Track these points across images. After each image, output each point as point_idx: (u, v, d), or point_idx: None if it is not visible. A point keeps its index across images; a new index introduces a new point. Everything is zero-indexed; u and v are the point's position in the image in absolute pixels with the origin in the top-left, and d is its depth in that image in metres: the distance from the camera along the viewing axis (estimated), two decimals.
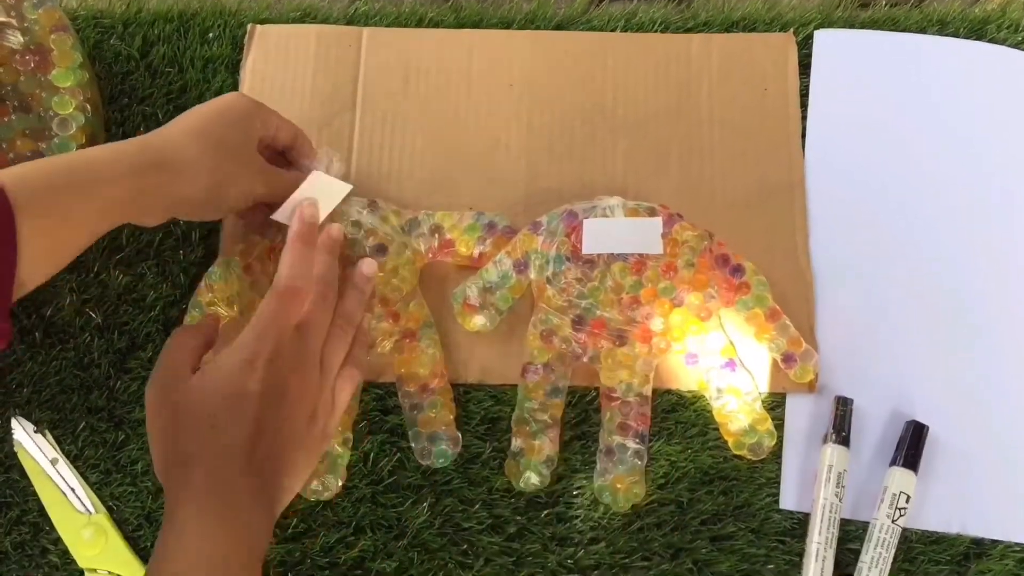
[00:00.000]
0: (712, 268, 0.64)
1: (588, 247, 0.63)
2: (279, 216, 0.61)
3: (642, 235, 0.63)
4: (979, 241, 0.68)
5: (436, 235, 0.65)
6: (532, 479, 0.61)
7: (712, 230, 0.67)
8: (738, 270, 0.64)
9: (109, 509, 0.62)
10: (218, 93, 0.71)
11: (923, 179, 0.69)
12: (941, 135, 0.70)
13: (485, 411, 0.64)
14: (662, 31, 0.73)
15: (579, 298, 0.63)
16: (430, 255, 0.65)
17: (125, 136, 0.70)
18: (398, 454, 0.63)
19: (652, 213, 0.64)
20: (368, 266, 0.60)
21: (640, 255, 0.63)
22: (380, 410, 0.65)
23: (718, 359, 0.63)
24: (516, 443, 0.62)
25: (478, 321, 0.64)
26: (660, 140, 0.70)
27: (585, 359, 0.64)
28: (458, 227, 0.66)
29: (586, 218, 0.64)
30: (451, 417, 0.63)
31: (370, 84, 0.72)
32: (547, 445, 0.61)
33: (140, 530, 0.62)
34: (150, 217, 0.56)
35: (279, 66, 0.72)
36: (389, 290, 0.63)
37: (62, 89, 0.63)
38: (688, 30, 0.74)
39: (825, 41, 0.72)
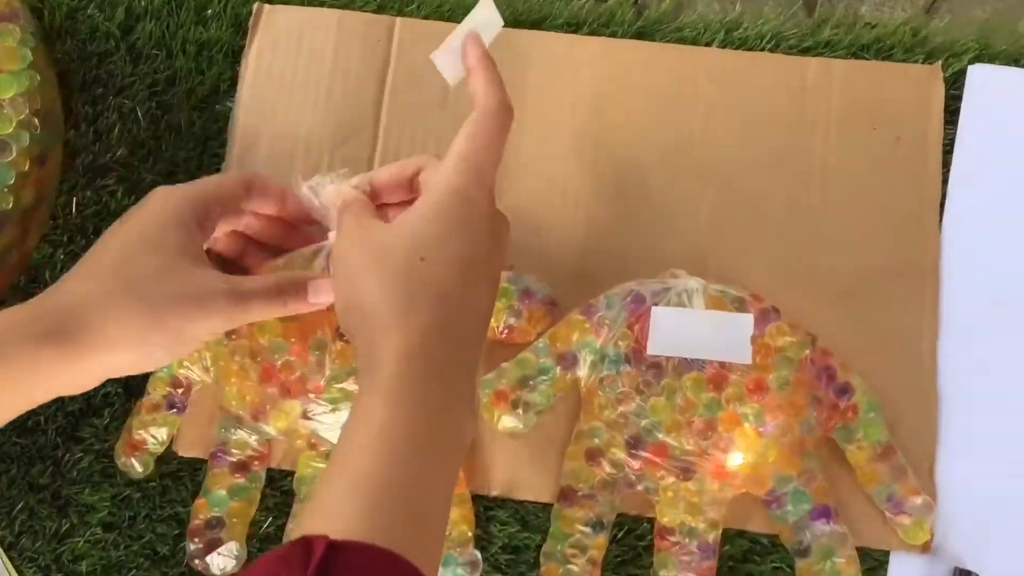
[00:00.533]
0: (812, 384, 0.48)
1: (655, 346, 0.48)
2: (439, 56, 0.46)
3: (726, 337, 0.48)
4: None
5: None
6: None
7: (813, 323, 0.51)
8: (845, 391, 0.49)
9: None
10: (214, 88, 0.56)
11: None
12: None
13: (509, 537, 0.50)
14: (772, 49, 0.56)
15: (638, 414, 0.48)
16: None
17: (96, 136, 0.56)
18: None
19: (741, 306, 0.49)
20: None
21: (721, 364, 0.48)
22: None
23: (808, 504, 0.48)
24: None
25: (509, 422, 0.49)
26: (757, 194, 0.54)
27: (639, 488, 0.49)
28: None
29: (655, 304, 0.49)
30: (470, 534, 0.49)
31: (400, 91, 0.56)
32: None
33: None
34: (72, 388, 0.43)
35: (289, 58, 0.57)
36: None
37: (2, 101, 0.48)
38: (805, 51, 0.56)
39: (981, 79, 0.55)
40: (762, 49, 0.55)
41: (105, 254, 0.43)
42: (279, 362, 0.48)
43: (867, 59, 0.55)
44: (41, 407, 0.49)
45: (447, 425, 0.38)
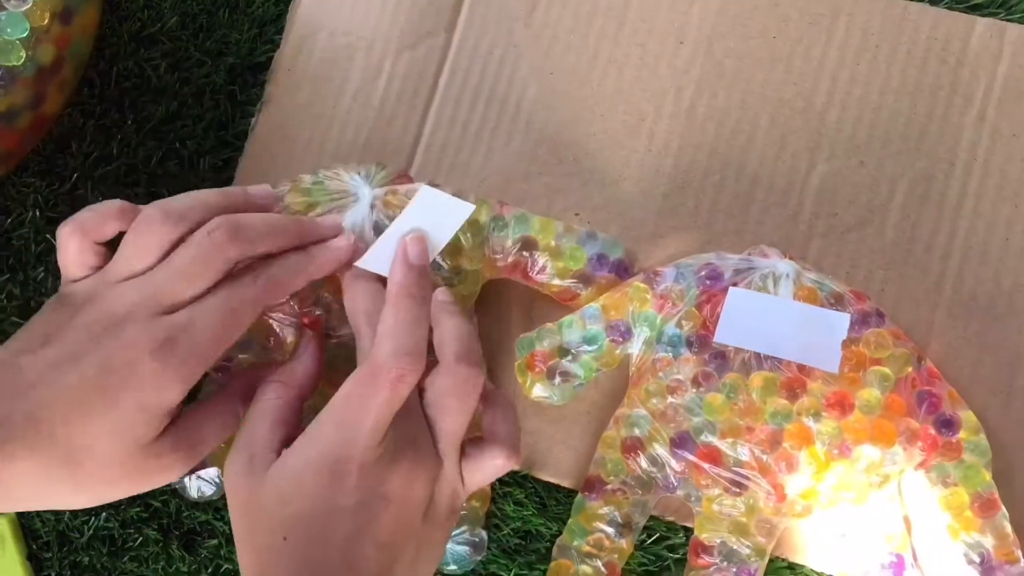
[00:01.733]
0: (908, 410, 0.39)
1: (725, 333, 0.39)
2: (366, 264, 0.39)
3: (814, 336, 0.39)
4: None
5: (524, 249, 0.43)
6: None
7: (927, 340, 0.42)
8: (949, 425, 0.40)
9: (18, 513, 0.46)
10: None
11: None
12: None
13: (523, 520, 0.44)
14: (933, 2, 0.46)
15: (689, 409, 0.40)
16: (504, 272, 0.43)
17: (147, 1, 0.50)
18: None
19: (839, 303, 0.40)
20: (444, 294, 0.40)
21: (800, 367, 0.39)
22: None
23: (881, 550, 0.39)
24: None
25: (541, 391, 0.42)
26: (882, 174, 0.44)
27: (679, 493, 0.41)
28: (557, 248, 0.43)
29: (734, 285, 0.40)
30: (482, 512, 0.44)
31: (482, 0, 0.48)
32: None
33: (49, 550, 0.45)
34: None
35: None
36: None
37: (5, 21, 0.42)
38: (975, 8, 0.46)
39: None
40: (921, 0, 0.45)
41: (50, 420, 0.35)
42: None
43: None
44: (46, 287, 0.47)
45: None
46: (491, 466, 0.36)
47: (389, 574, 0.34)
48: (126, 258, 0.37)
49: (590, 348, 0.42)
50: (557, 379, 0.42)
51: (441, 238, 0.39)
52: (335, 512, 0.34)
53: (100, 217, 0.38)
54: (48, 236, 0.48)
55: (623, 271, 0.44)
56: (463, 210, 0.39)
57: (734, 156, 0.45)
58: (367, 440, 0.34)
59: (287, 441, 0.35)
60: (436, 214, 0.39)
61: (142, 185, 0.49)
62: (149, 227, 0.37)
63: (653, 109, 0.46)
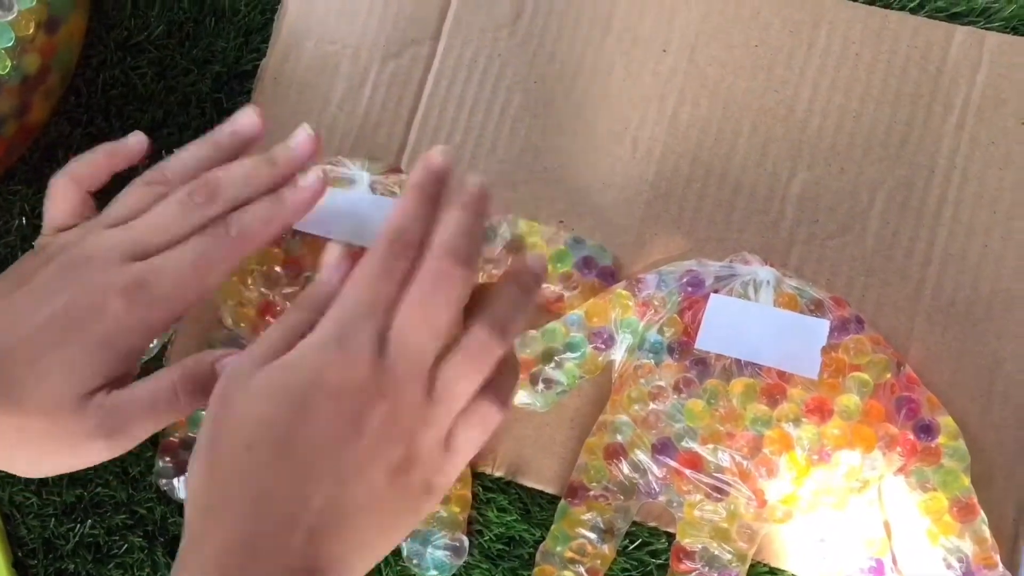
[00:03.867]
0: (887, 415, 0.40)
1: (706, 340, 0.40)
2: (306, 226, 0.41)
3: (793, 342, 0.40)
4: None
5: (511, 254, 0.44)
6: None
7: (907, 347, 0.42)
8: (928, 431, 0.40)
9: (4, 518, 0.46)
10: None
11: None
12: None
13: (507, 526, 0.44)
14: (914, 10, 0.46)
15: (671, 415, 0.40)
16: (492, 277, 0.44)
17: (134, 10, 0.51)
18: None
19: (818, 309, 0.40)
20: (538, 259, 0.37)
21: (780, 373, 0.39)
22: None
23: (861, 555, 0.40)
24: None
25: (524, 397, 0.42)
26: (862, 183, 0.45)
27: (661, 499, 0.42)
28: (543, 249, 0.44)
29: (715, 291, 0.41)
30: (462, 517, 0.44)
31: (468, 5, 0.49)
32: None
33: (35, 557, 0.45)
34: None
35: None
36: None
37: None
38: (954, 16, 0.46)
39: None
40: (902, 8, 0.45)
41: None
42: (276, 295, 0.41)
43: None
44: None
45: None
46: (479, 417, 0.33)
47: (335, 532, 0.32)
48: (112, 213, 0.38)
49: (573, 355, 0.42)
50: (540, 386, 0.42)
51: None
52: (306, 413, 0.32)
53: (92, 166, 0.39)
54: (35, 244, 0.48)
55: (609, 277, 0.44)
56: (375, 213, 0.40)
57: (716, 163, 0.46)
58: (366, 324, 0.33)
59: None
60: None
61: None
62: (140, 187, 0.39)
63: (637, 117, 0.47)
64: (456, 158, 0.44)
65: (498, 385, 0.34)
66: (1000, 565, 0.40)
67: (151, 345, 0.45)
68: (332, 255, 0.36)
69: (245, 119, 0.41)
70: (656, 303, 0.41)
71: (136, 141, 0.41)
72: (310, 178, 0.39)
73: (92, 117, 0.50)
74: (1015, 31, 0.46)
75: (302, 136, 0.40)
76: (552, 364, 0.42)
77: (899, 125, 0.45)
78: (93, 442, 0.35)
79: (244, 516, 0.31)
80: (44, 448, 0.35)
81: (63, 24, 0.44)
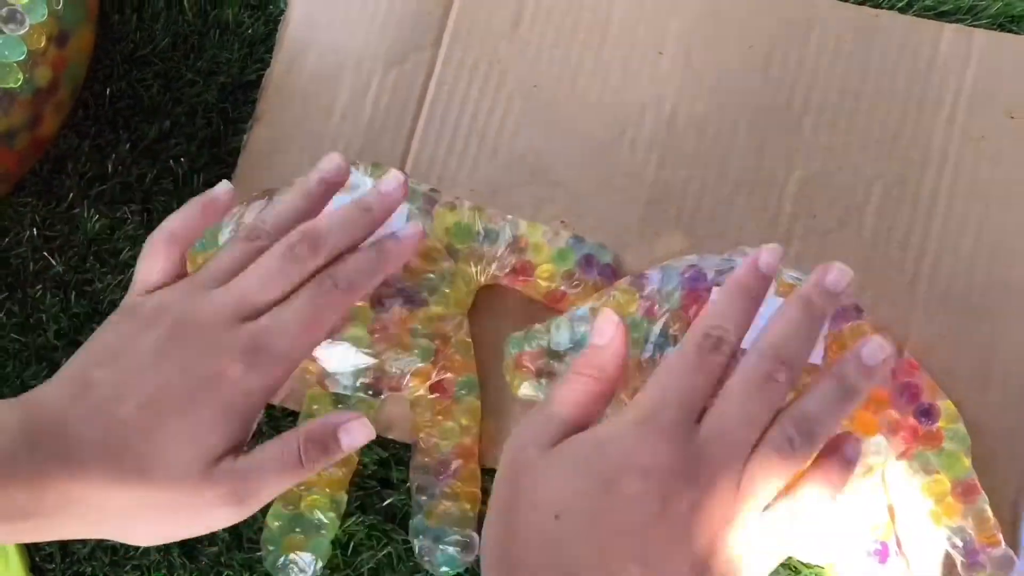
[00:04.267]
0: (890, 401, 0.41)
1: None
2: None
3: None
4: None
5: (514, 253, 0.44)
6: None
7: (906, 334, 0.43)
8: (929, 414, 0.41)
9: None
10: None
11: None
12: None
13: None
14: (903, 9, 0.47)
15: None
16: (497, 278, 0.45)
17: (139, 23, 0.52)
18: (388, 547, 0.45)
19: None
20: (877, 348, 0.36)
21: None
22: (380, 480, 0.46)
23: (866, 539, 0.41)
24: None
25: (528, 389, 0.43)
26: (858, 177, 0.46)
27: None
28: (546, 249, 0.45)
29: (717, 284, 0.42)
30: (472, 514, 0.44)
31: (467, 13, 0.50)
32: None
33: (51, 562, 0.46)
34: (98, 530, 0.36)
35: None
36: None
37: None
38: (942, 15, 0.47)
39: None
40: (891, 8, 0.47)
41: (121, 400, 0.35)
42: None
43: (1017, 32, 0.46)
44: (50, 304, 0.48)
45: None
46: (775, 524, 0.33)
47: None
48: (212, 272, 0.38)
49: (578, 349, 0.43)
50: (544, 380, 0.43)
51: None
52: (615, 508, 0.32)
53: (188, 222, 0.39)
54: (46, 255, 0.49)
55: (611, 274, 0.45)
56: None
57: (714, 162, 0.47)
58: (679, 407, 0.33)
59: (579, 428, 0.34)
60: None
61: (137, 203, 0.50)
62: (239, 243, 0.38)
63: (635, 119, 0.48)
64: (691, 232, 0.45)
65: (801, 495, 0.34)
66: (1003, 543, 0.41)
67: None
68: (609, 320, 0.37)
69: (330, 165, 0.41)
70: (659, 298, 0.42)
71: (224, 191, 0.40)
72: (409, 230, 0.40)
73: (100, 129, 0.51)
74: (1002, 27, 0.47)
75: (392, 180, 0.40)
76: (557, 358, 0.43)
77: (892, 122, 0.46)
78: (222, 509, 0.35)
79: None
80: (168, 518, 0.34)
81: (72, 38, 0.45)
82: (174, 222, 0.39)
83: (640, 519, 0.32)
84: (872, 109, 0.47)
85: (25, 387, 0.48)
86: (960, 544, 0.41)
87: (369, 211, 0.40)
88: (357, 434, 0.37)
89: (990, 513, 0.41)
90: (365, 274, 0.38)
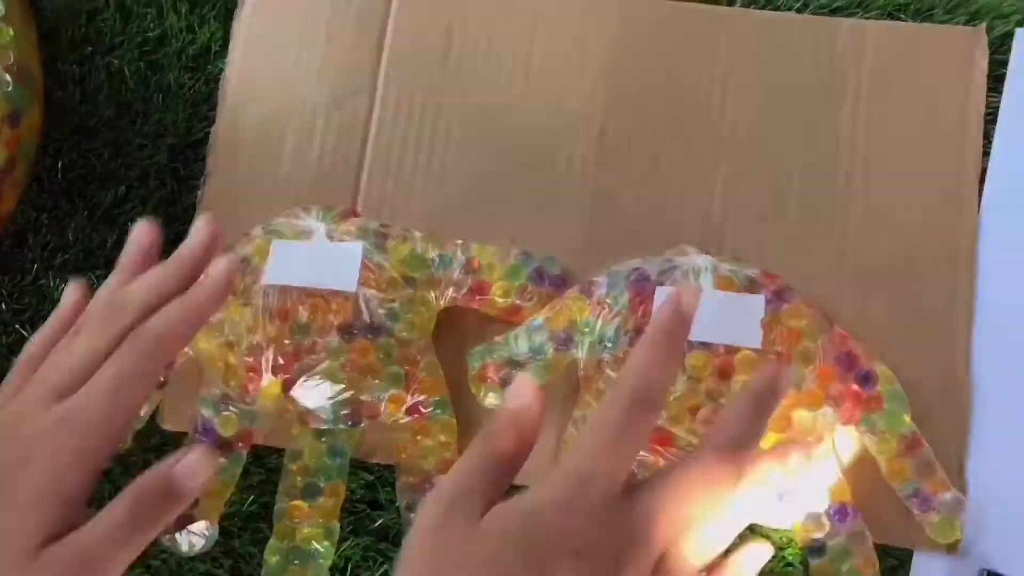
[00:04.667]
0: (832, 373, 0.44)
1: None
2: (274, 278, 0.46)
3: (736, 318, 0.44)
4: None
5: (468, 273, 0.47)
6: None
7: (836, 307, 0.47)
8: (868, 378, 0.45)
9: None
10: (205, 49, 0.54)
11: None
12: None
13: None
14: (800, 10, 0.51)
15: None
16: (456, 300, 0.47)
17: (83, 96, 0.54)
18: (384, 566, 0.48)
19: (753, 286, 0.44)
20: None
21: (727, 348, 0.44)
22: (369, 502, 0.48)
23: (824, 501, 0.44)
24: None
25: (494, 399, 0.46)
26: (779, 168, 0.50)
27: (638, 476, 0.46)
28: (498, 267, 0.48)
29: (660, 284, 0.45)
30: None
31: (399, 53, 0.53)
32: None
33: None
34: None
35: (283, 20, 0.54)
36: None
37: None
38: (836, 11, 0.51)
39: None
40: (789, 9, 0.51)
41: None
42: (247, 345, 0.45)
43: (904, 20, 0.50)
44: None
45: None
46: None
47: None
48: (44, 368, 0.38)
49: (537, 357, 0.46)
50: (509, 388, 0.46)
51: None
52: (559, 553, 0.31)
53: (46, 344, 0.40)
54: (17, 327, 0.50)
55: (561, 284, 0.48)
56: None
57: (647, 167, 0.50)
58: (605, 478, 0.33)
59: (493, 499, 0.33)
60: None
61: (101, 267, 0.52)
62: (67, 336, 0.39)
63: (568, 137, 0.51)
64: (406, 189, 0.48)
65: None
66: (951, 488, 0.44)
67: (141, 414, 0.48)
68: (526, 383, 0.36)
69: (197, 237, 0.42)
70: (609, 302, 0.46)
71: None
72: (215, 268, 0.39)
73: (57, 201, 0.52)
74: (891, 16, 0.51)
75: (198, 225, 0.41)
76: (518, 367, 0.46)
77: (803, 113, 0.50)
78: None
79: None
80: None
81: (24, 117, 0.47)
82: (32, 346, 0.40)
83: None
84: (784, 103, 0.50)
85: None
86: (912, 495, 0.45)
87: (179, 263, 0.40)
88: (195, 469, 0.36)
89: (936, 463, 0.44)
90: (170, 323, 0.37)
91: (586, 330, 0.46)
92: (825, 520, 0.45)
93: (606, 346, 0.45)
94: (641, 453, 0.45)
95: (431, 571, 0.31)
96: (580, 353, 0.46)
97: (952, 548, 0.45)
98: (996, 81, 0.50)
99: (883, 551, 0.46)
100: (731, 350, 0.44)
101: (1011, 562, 0.45)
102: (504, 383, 0.46)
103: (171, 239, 0.51)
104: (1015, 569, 0.45)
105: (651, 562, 0.32)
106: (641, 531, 0.32)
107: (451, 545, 0.31)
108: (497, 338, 0.47)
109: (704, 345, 0.44)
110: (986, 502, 0.46)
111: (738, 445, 0.34)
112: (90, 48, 0.55)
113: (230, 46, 0.54)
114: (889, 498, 0.45)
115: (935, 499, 0.44)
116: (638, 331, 0.45)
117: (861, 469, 0.46)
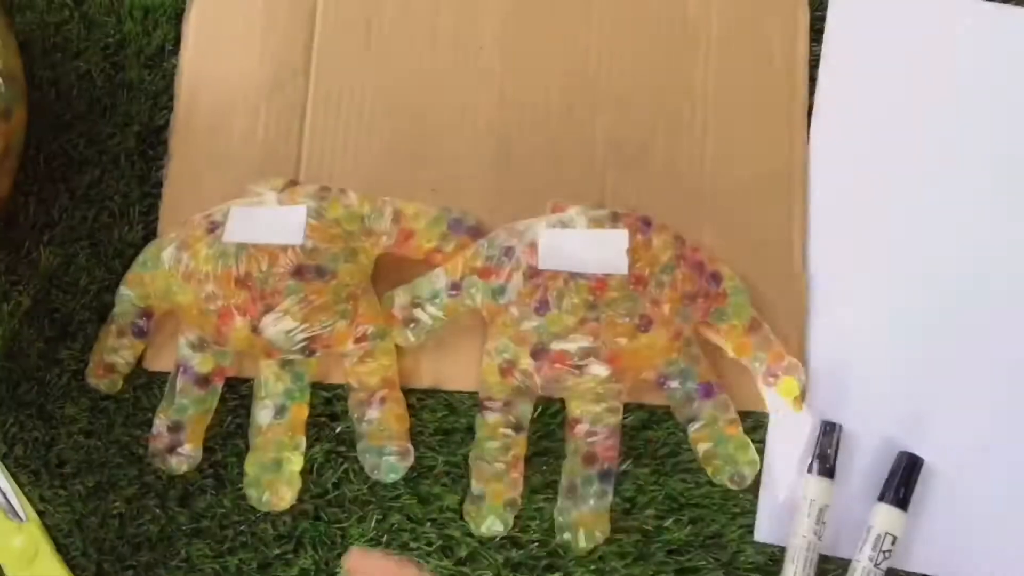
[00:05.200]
0: (687, 280, 0.55)
1: (544, 263, 0.54)
2: (236, 236, 0.55)
3: (604, 250, 0.55)
4: (1013, 253, 0.58)
5: (396, 224, 0.57)
6: (495, 525, 0.55)
7: (699, 225, 0.58)
8: (715, 278, 0.56)
9: (39, 514, 0.57)
10: (160, 48, 0.63)
11: (949, 173, 0.59)
12: (977, 122, 0.59)
13: (439, 421, 0.58)
14: None
15: (538, 329, 0.55)
16: (388, 247, 0.58)
17: (57, 96, 0.63)
18: (344, 464, 0.57)
19: (616, 221, 0.55)
20: None
21: (603, 275, 0.54)
22: (328, 415, 0.58)
23: (694, 382, 0.55)
24: (476, 486, 0.55)
25: (399, 337, 0.56)
26: (646, 117, 0.61)
27: (549, 392, 0.57)
28: (421, 218, 0.58)
29: (533, 242, 0.55)
30: (403, 429, 0.57)
31: (326, 42, 0.63)
32: (510, 487, 0.55)
33: (71, 536, 0.57)
34: None
35: (225, 18, 0.63)
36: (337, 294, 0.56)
37: None
38: None
39: (844, 3, 0.62)
40: None
41: None
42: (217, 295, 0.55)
43: None
44: (26, 334, 0.58)
45: None
46: None
47: None
48: None
49: (435, 300, 0.56)
50: (411, 327, 0.56)
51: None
52: None
53: None
54: (15, 295, 0.60)
55: (476, 233, 0.58)
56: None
57: (538, 126, 0.61)
58: None
59: None
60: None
61: (84, 239, 0.61)
62: None
63: (472, 103, 0.62)
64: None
65: None
66: (787, 356, 0.56)
67: (128, 362, 0.58)
68: None
69: None
70: (495, 262, 0.55)
71: None
72: None
73: (42, 186, 0.62)
74: None
75: None
76: (419, 309, 0.56)
77: (663, 68, 0.61)
78: None
79: None
80: None
81: (14, 113, 0.57)
82: None
83: None
84: (648, 63, 0.61)
85: (21, 405, 0.59)
86: (760, 367, 0.56)
87: None
88: None
89: (773, 337, 0.56)
90: None
91: (478, 286, 0.56)
92: (695, 396, 0.56)
93: (502, 296, 0.55)
94: (547, 375, 0.55)
95: None
96: (473, 301, 0.56)
97: (798, 404, 0.56)
98: (818, 33, 0.62)
99: (745, 414, 0.57)
100: (605, 275, 0.54)
101: (842, 413, 0.57)
102: (407, 322, 0.56)
103: (143, 211, 0.61)
104: (846, 418, 0.56)
105: None
106: None
107: None
108: (405, 284, 0.57)
109: (580, 276, 0.54)
110: (822, 371, 0.57)
111: None
112: (60, 54, 0.64)
113: (181, 45, 0.63)
114: (744, 375, 0.57)
115: (777, 365, 0.55)
116: (530, 269, 0.55)
117: (721, 354, 0.57)
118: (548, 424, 0.57)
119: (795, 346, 0.57)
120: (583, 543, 0.54)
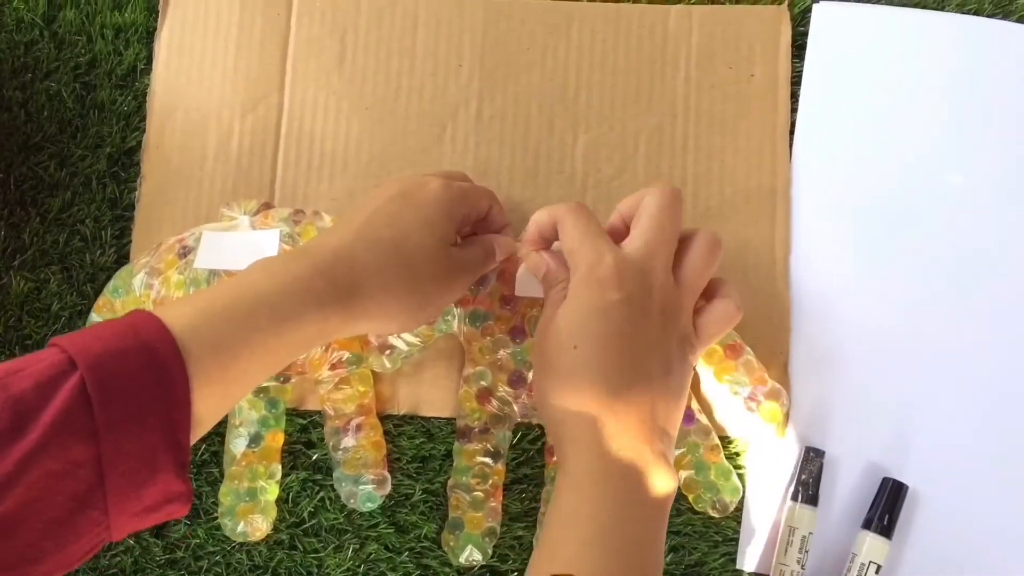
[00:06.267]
0: None
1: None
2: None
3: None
4: (998, 274, 0.56)
5: None
6: (474, 555, 0.53)
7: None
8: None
9: None
10: (131, 68, 0.61)
11: (934, 190, 0.58)
12: (960, 138, 0.58)
13: (416, 448, 0.56)
14: (635, 0, 0.61)
15: (514, 356, 0.53)
16: None
17: (27, 117, 0.61)
18: (321, 492, 0.56)
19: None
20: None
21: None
22: (304, 443, 0.57)
23: None
24: (454, 515, 0.54)
25: (375, 362, 0.55)
26: (627, 134, 0.59)
27: (528, 419, 0.55)
28: None
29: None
30: (380, 457, 0.55)
31: (300, 60, 0.61)
32: (489, 516, 0.54)
33: None
34: (336, 340, 0.51)
35: (198, 37, 0.62)
36: None
37: None
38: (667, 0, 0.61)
39: (825, 17, 0.60)
40: (627, 0, 0.60)
41: (380, 226, 0.47)
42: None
43: (723, 4, 0.60)
44: (41, 326, 0.56)
45: (644, 500, 0.44)
46: (723, 311, 0.47)
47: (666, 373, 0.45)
48: None
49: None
50: (387, 353, 0.55)
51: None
52: (615, 304, 0.44)
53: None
54: None
55: None
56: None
57: (518, 142, 0.60)
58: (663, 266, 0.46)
59: None
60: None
61: (56, 264, 0.59)
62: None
63: (450, 120, 0.60)
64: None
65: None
66: (770, 380, 0.55)
67: None
68: (510, 244, 0.53)
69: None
70: (471, 288, 0.54)
71: None
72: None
73: (12, 210, 0.60)
74: (713, 2, 0.61)
75: (504, 247, 0.55)
76: (394, 335, 0.55)
77: (644, 86, 0.60)
78: (472, 264, 0.50)
79: (594, 395, 0.44)
80: (441, 284, 0.48)
81: None
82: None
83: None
84: (628, 79, 0.60)
85: None
86: (741, 391, 0.55)
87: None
88: (508, 246, 0.53)
89: (756, 361, 0.54)
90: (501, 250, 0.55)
91: (452, 313, 0.55)
92: None
93: (468, 321, 0.54)
94: (525, 402, 0.54)
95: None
96: (449, 327, 0.55)
97: (780, 430, 0.55)
98: (800, 49, 0.60)
99: (727, 441, 0.55)
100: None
101: (828, 440, 0.55)
102: (382, 349, 0.55)
103: (115, 234, 0.59)
104: (829, 443, 0.55)
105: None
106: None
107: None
108: None
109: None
110: (806, 394, 0.56)
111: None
112: (30, 75, 0.62)
113: (153, 64, 0.62)
114: (726, 400, 0.55)
115: (758, 390, 0.54)
116: (503, 298, 0.54)
117: (700, 383, 0.55)
118: (527, 450, 0.56)
119: (779, 370, 0.55)
120: None
